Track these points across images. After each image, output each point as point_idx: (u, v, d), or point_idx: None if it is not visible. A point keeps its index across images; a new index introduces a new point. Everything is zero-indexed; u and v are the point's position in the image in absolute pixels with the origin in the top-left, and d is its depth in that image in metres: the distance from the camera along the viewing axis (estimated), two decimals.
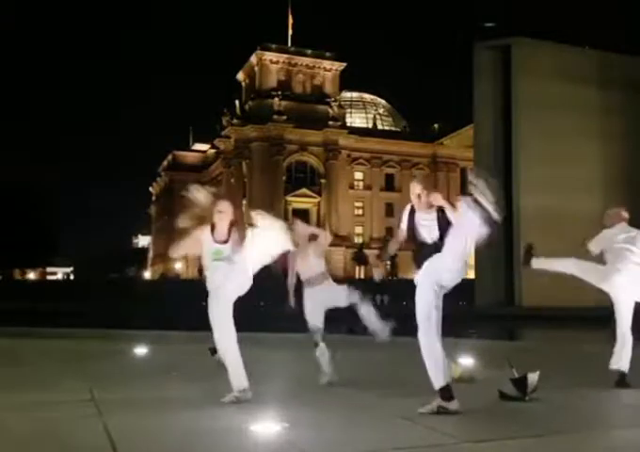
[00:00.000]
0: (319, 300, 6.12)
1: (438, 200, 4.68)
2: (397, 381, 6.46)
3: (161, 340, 9.94)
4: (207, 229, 5.11)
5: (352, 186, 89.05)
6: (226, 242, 5.06)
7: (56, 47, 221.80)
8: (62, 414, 4.64)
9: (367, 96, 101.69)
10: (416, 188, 4.79)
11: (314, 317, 6.10)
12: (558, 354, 9.84)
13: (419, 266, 4.81)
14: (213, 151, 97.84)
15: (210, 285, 5.10)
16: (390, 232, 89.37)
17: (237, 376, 4.99)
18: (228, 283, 5.04)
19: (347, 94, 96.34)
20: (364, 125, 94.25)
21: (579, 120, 41.87)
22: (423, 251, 4.79)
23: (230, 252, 5.05)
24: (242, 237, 5.06)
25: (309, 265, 6.13)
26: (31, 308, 37.60)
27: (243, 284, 5.11)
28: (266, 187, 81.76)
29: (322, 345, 6.08)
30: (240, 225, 5.11)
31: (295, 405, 5.02)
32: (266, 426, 3.98)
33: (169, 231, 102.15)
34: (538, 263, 6.13)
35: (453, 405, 4.55)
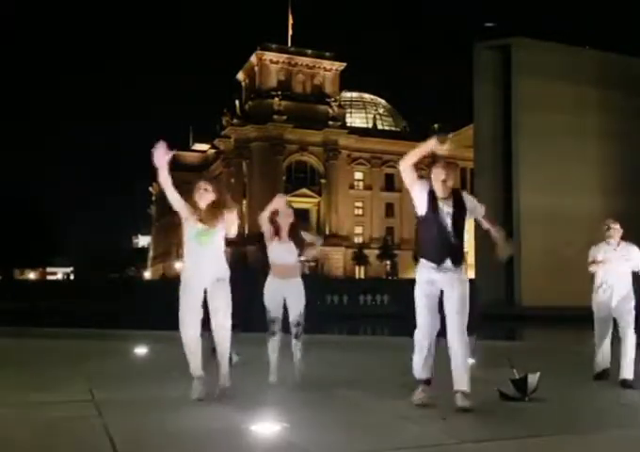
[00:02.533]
0: (283, 292, 5.91)
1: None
2: (397, 382, 6.45)
3: (161, 340, 9.94)
4: (189, 207, 4.83)
5: (352, 186, 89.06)
6: (210, 223, 4.81)
7: (55, 47, 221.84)
8: (62, 414, 4.64)
9: (367, 96, 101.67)
10: (441, 175, 4.80)
11: (275, 306, 5.88)
12: (558, 354, 9.83)
13: (438, 258, 4.74)
14: (213, 151, 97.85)
15: (198, 276, 4.85)
16: (390, 231, 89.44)
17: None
18: (227, 279, 4.98)
19: (347, 94, 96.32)
20: (364, 125, 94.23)
21: (579, 119, 41.89)
22: (441, 241, 4.73)
23: (216, 235, 4.85)
24: (229, 219, 4.90)
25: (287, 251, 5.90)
26: (31, 308, 37.64)
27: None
28: (266, 187, 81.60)
29: (277, 336, 5.88)
30: (227, 207, 4.90)
31: (295, 405, 5.02)
32: (266, 426, 3.98)
33: (169, 231, 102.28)
34: None
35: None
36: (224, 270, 4.97)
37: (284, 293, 5.91)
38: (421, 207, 4.81)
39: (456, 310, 4.75)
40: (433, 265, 4.77)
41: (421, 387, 4.80)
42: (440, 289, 4.81)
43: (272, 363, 5.93)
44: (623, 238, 6.38)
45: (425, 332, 4.79)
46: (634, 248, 6.37)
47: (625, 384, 6.02)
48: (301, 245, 5.95)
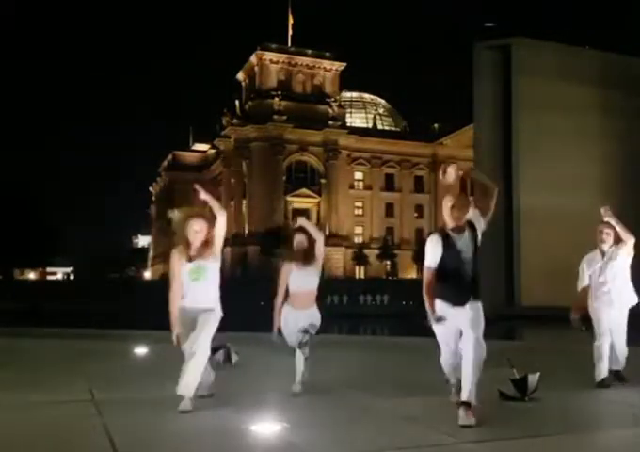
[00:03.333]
0: (300, 322, 5.65)
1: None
2: (397, 382, 6.46)
3: (161, 340, 9.94)
4: (180, 249, 5.13)
5: (352, 186, 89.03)
6: (202, 258, 5.07)
7: (55, 47, 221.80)
8: (62, 414, 4.64)
9: (367, 96, 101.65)
10: (449, 202, 4.59)
11: (293, 337, 5.64)
12: (558, 354, 9.84)
13: (460, 300, 4.55)
14: (213, 151, 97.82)
15: (191, 305, 5.04)
16: (390, 231, 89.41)
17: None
18: (217, 309, 5.12)
19: (347, 94, 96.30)
20: (364, 125, 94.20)
21: (579, 120, 41.85)
22: (460, 283, 4.57)
23: (207, 269, 5.08)
24: (218, 252, 5.16)
25: (304, 280, 5.65)
26: (32, 308, 37.65)
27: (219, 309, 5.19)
28: (266, 187, 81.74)
29: (299, 351, 5.64)
30: (215, 240, 5.13)
31: (295, 405, 5.02)
32: (266, 426, 3.98)
33: (169, 231, 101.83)
34: None
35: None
36: (214, 302, 5.14)
37: (302, 322, 5.66)
38: (436, 255, 4.62)
39: (473, 340, 4.51)
40: (453, 305, 4.61)
41: (454, 388, 4.81)
42: (458, 322, 4.61)
43: (298, 372, 5.65)
44: (617, 242, 6.19)
45: (449, 360, 4.77)
46: (622, 248, 6.15)
47: (617, 376, 6.19)
48: (314, 257, 5.69)
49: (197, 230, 5.05)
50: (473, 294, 4.62)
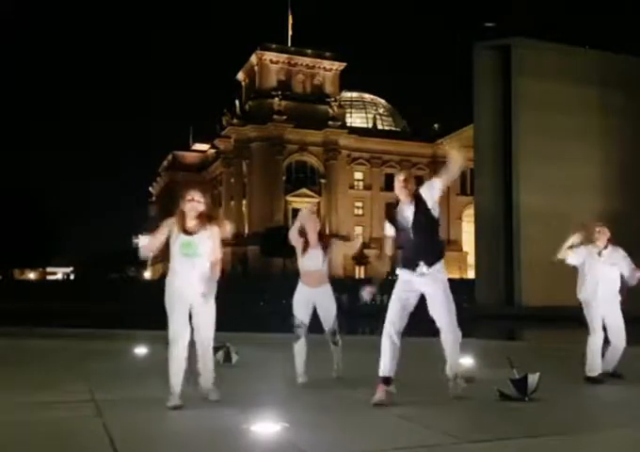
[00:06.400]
0: (313, 299, 6.09)
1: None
2: (396, 381, 6.44)
3: (161, 340, 9.93)
4: (173, 219, 4.90)
5: (352, 186, 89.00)
6: (196, 233, 4.84)
7: (55, 46, 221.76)
8: (62, 414, 4.64)
9: (367, 96, 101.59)
10: (400, 176, 5.10)
11: (302, 312, 6.07)
12: (557, 354, 9.84)
13: (410, 263, 5.02)
14: (213, 151, 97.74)
15: (182, 283, 4.86)
16: None
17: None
18: (213, 292, 4.94)
19: (347, 94, 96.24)
20: (364, 125, 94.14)
21: (579, 119, 41.88)
22: (408, 246, 5.02)
23: (200, 246, 4.84)
24: (217, 230, 4.96)
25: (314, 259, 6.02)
26: (31, 308, 37.63)
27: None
28: (266, 187, 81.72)
29: (302, 340, 6.06)
30: (215, 218, 5.04)
31: (295, 405, 5.02)
32: (266, 426, 3.98)
33: None
34: None
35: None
36: (205, 280, 4.88)
37: (314, 300, 6.07)
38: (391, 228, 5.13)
39: (443, 310, 4.98)
40: (408, 270, 5.07)
41: (380, 386, 4.99)
42: (418, 290, 5.05)
43: (298, 365, 6.06)
44: (610, 241, 6.41)
45: (390, 331, 5.00)
46: (619, 251, 6.41)
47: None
48: (329, 249, 6.09)
49: (192, 199, 4.84)
50: (425, 260, 4.98)
